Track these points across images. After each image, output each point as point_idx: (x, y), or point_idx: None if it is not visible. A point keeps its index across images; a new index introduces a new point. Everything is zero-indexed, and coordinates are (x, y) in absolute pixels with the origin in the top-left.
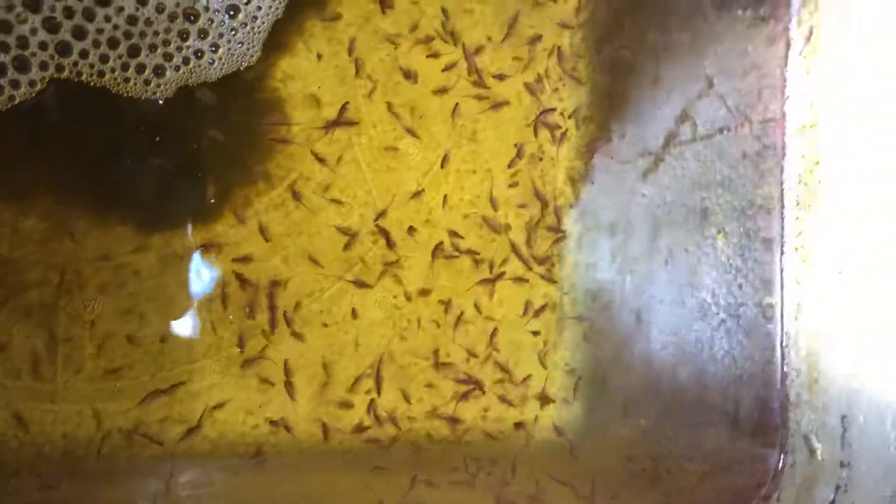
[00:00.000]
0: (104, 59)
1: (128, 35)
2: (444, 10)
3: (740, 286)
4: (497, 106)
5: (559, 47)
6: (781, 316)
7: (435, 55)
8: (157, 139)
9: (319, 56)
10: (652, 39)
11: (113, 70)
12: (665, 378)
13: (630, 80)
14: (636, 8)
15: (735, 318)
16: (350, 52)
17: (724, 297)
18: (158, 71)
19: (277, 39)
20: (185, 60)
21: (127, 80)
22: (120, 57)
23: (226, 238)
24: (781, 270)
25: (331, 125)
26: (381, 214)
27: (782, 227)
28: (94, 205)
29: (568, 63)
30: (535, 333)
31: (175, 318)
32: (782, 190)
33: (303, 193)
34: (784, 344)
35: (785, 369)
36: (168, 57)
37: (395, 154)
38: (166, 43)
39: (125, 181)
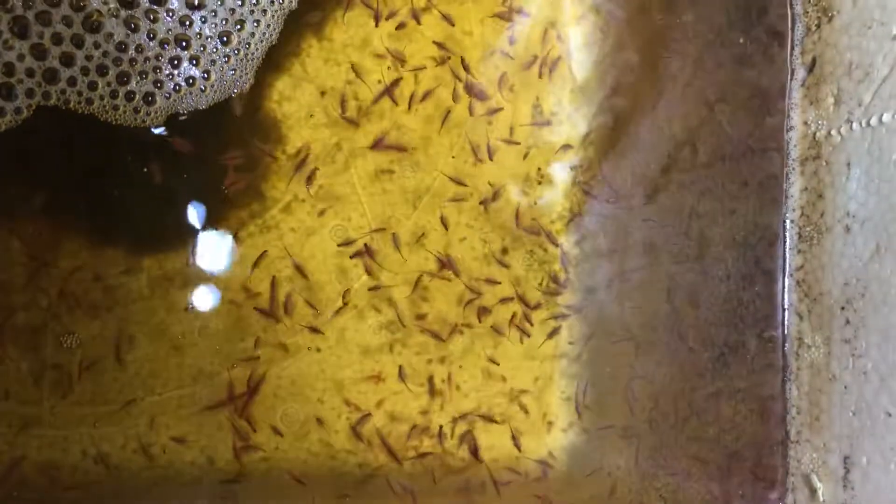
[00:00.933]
0: (93, 86)
1: (117, 62)
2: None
3: (741, 318)
4: (493, 112)
5: (555, 70)
6: (783, 350)
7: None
8: (149, 160)
9: (315, 77)
10: (654, 64)
11: (102, 98)
12: (664, 410)
13: (631, 107)
14: (638, 34)
15: (735, 351)
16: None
17: (725, 328)
18: (148, 98)
19: (275, 61)
20: (177, 88)
21: (116, 107)
22: (109, 84)
23: (219, 261)
24: (783, 303)
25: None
26: (374, 234)
27: (784, 259)
28: (84, 227)
29: (567, 87)
30: (532, 359)
31: (165, 342)
32: (784, 221)
33: (298, 215)
34: (785, 379)
35: (786, 406)
36: (158, 84)
37: (391, 177)
38: (157, 70)
39: (116, 205)
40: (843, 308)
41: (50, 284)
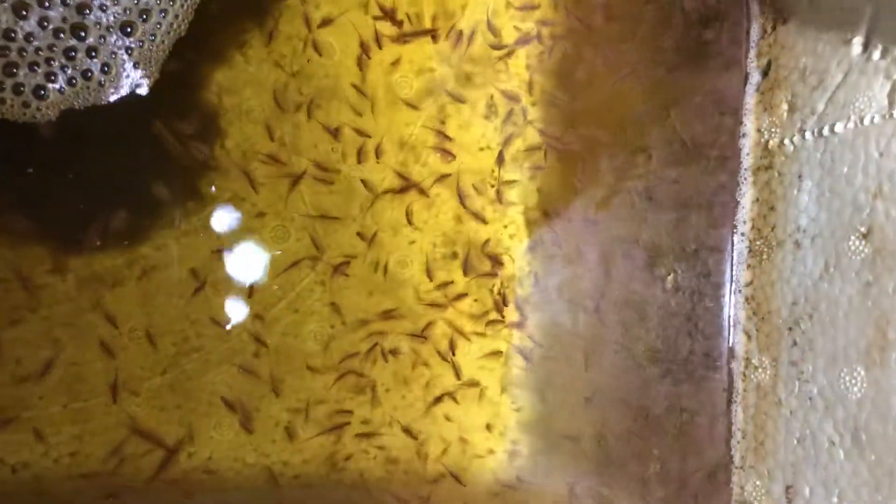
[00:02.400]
0: None
1: (3, 51)
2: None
3: (689, 333)
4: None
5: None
6: (729, 370)
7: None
8: (79, 151)
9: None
10: (608, 70)
11: None
12: (611, 425)
13: (587, 111)
14: (592, 40)
15: (682, 368)
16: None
17: (673, 344)
18: (39, 92)
19: (214, 49)
20: (71, 81)
21: (2, 101)
22: None
23: (149, 260)
24: (730, 320)
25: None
26: (318, 247)
27: (732, 274)
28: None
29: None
30: (483, 368)
31: (93, 344)
32: (733, 234)
33: (238, 215)
34: (731, 401)
35: (731, 429)
36: (51, 77)
37: (338, 177)
38: (50, 61)
39: (37, 200)
40: (790, 329)
41: None
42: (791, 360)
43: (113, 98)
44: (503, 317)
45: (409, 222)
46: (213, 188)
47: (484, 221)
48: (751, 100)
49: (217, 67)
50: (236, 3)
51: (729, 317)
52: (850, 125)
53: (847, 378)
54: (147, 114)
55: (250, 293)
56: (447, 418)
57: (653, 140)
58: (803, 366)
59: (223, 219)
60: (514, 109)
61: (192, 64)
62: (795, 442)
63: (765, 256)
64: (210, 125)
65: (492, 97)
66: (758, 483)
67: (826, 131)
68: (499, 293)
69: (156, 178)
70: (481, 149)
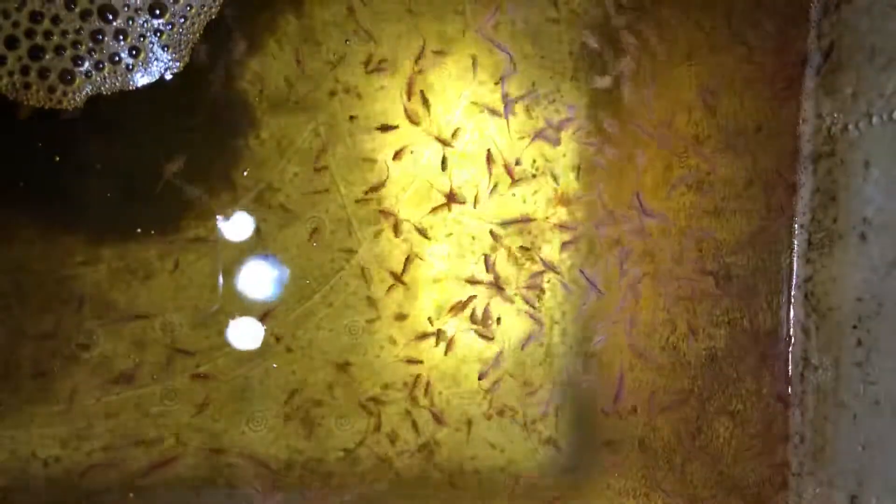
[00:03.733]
0: (0, 60)
1: (30, 34)
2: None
3: (744, 331)
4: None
5: None
6: (786, 371)
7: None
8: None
9: (289, 54)
10: (657, 49)
11: (11, 74)
12: (658, 428)
13: (633, 100)
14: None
15: (735, 367)
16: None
17: (724, 342)
18: (66, 77)
19: (249, 36)
20: (98, 65)
21: (27, 85)
22: (20, 59)
23: (188, 250)
24: (789, 318)
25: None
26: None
27: (792, 269)
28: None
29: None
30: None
31: (125, 335)
32: (792, 225)
33: (271, 204)
34: (788, 403)
35: (789, 433)
36: (78, 61)
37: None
38: (76, 45)
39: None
40: (854, 327)
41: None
42: (855, 361)
43: (141, 83)
44: (543, 310)
45: None
46: (246, 176)
47: None
48: (811, 84)
49: (250, 54)
50: None
51: (787, 314)
52: None
53: None
54: (178, 99)
55: (280, 287)
56: None
57: (706, 127)
58: (868, 367)
59: (256, 210)
60: None
61: (224, 48)
62: (860, 448)
63: (826, 250)
64: (244, 113)
65: None
66: (818, 491)
67: None
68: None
69: (187, 168)
70: None
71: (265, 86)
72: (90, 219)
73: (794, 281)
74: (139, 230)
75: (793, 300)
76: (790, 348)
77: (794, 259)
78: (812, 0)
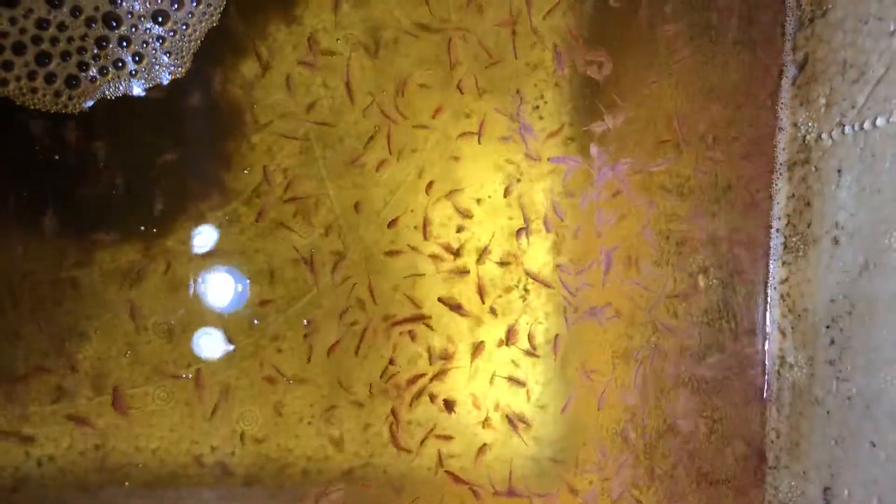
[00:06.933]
0: (7, 66)
1: (36, 40)
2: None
3: (720, 329)
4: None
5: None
6: (763, 367)
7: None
8: (103, 147)
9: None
10: (643, 58)
11: (18, 79)
12: (638, 422)
13: (619, 102)
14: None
15: (714, 365)
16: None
17: (704, 340)
18: (71, 81)
19: (237, 44)
20: (103, 71)
21: (34, 90)
22: (27, 65)
23: (176, 253)
24: (765, 318)
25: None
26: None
27: (768, 270)
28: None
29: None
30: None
31: (117, 338)
32: (769, 229)
33: (262, 209)
34: (765, 398)
35: (765, 428)
36: (83, 66)
37: (362, 170)
38: (81, 51)
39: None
40: (828, 326)
41: None
42: (828, 360)
43: (144, 88)
44: (531, 311)
45: None
46: (240, 180)
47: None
48: (787, 94)
49: (245, 61)
50: None
51: (763, 314)
52: (894, 119)
53: (888, 377)
54: (175, 105)
55: (271, 285)
56: None
57: (685, 133)
58: (841, 365)
59: (247, 215)
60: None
61: (224, 55)
62: (833, 443)
63: (801, 253)
64: (237, 119)
65: None
66: (793, 484)
67: (867, 125)
68: (525, 287)
69: (182, 171)
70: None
71: (258, 92)
72: (83, 220)
73: (770, 282)
74: (131, 232)
75: (769, 301)
76: (767, 347)
77: (771, 262)
78: (787, 13)
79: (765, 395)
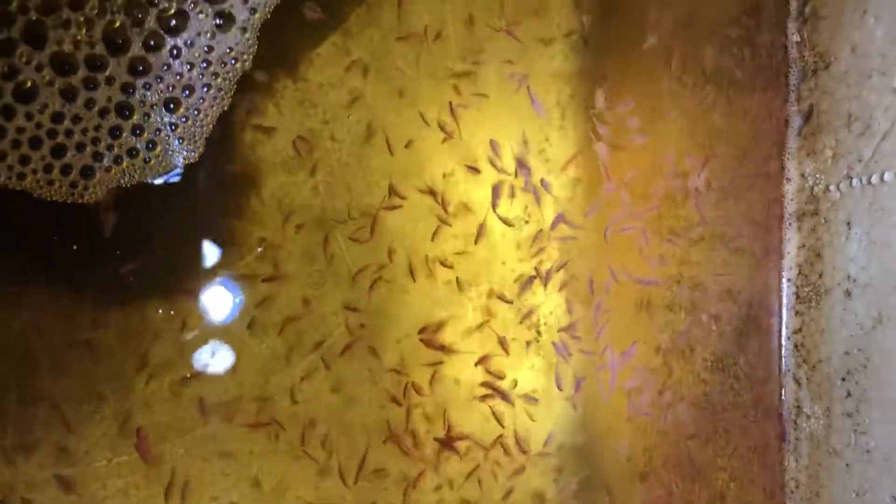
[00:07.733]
0: (24, 160)
1: (52, 134)
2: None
3: (736, 377)
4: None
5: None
6: (780, 416)
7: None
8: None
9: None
10: (651, 110)
11: (35, 172)
12: (656, 469)
13: (628, 156)
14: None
15: (729, 412)
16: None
17: (718, 387)
18: (86, 172)
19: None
20: (117, 160)
21: (51, 182)
22: (43, 158)
23: (191, 310)
24: (780, 367)
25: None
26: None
27: (781, 320)
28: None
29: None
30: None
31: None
32: (780, 279)
33: (277, 262)
34: (783, 449)
35: (784, 478)
36: (98, 157)
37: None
38: (96, 141)
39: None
40: (843, 379)
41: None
42: (845, 412)
43: (158, 174)
44: (541, 355)
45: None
46: (251, 235)
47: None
48: (793, 144)
49: (259, 142)
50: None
51: (778, 363)
52: None
53: None
54: (189, 187)
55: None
56: None
57: (693, 182)
58: (858, 417)
59: (258, 269)
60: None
61: (234, 136)
62: (854, 495)
63: (813, 304)
64: (248, 196)
65: None
66: None
67: (875, 179)
68: (536, 333)
69: (192, 231)
70: None
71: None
72: (98, 283)
73: (783, 332)
74: (147, 292)
75: (784, 350)
76: (783, 396)
77: (784, 311)
78: (790, 65)
79: (784, 444)
